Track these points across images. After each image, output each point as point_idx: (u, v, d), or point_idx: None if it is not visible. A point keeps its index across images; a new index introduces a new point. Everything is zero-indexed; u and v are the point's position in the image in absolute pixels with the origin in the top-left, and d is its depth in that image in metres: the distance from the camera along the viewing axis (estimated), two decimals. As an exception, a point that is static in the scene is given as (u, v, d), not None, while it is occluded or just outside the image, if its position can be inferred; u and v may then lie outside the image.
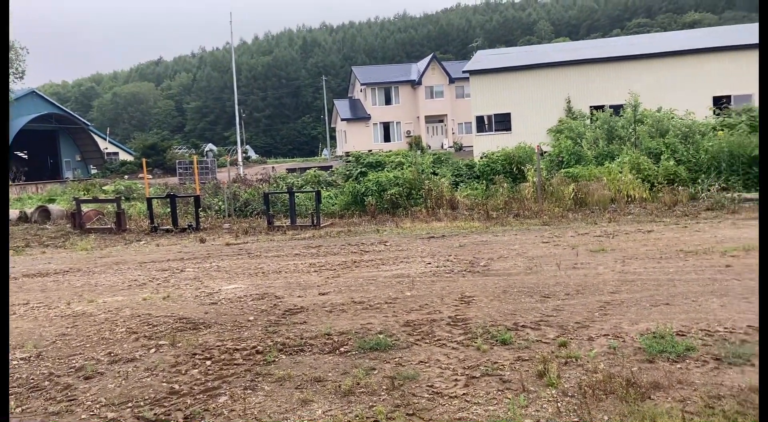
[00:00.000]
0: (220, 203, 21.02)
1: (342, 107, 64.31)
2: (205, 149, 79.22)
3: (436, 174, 20.73)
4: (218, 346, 6.15)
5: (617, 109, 26.38)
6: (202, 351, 6.01)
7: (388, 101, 60.34)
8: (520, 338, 5.88)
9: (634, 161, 18.44)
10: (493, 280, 8.59)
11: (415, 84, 59.54)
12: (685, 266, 8.71)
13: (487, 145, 29.76)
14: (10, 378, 5.45)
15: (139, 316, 7.55)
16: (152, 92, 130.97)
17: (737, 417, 3.91)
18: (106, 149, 63.58)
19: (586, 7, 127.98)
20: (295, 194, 18.19)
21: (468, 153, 40.78)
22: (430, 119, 59.79)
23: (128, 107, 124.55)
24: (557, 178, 18.34)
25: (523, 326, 6.30)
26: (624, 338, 5.69)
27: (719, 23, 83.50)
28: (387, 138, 59.74)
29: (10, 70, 42.42)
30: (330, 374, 5.20)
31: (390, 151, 30.79)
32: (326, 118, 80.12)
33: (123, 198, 22.20)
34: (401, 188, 18.59)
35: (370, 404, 4.53)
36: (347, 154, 43.17)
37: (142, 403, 4.79)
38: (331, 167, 35.12)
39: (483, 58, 41.60)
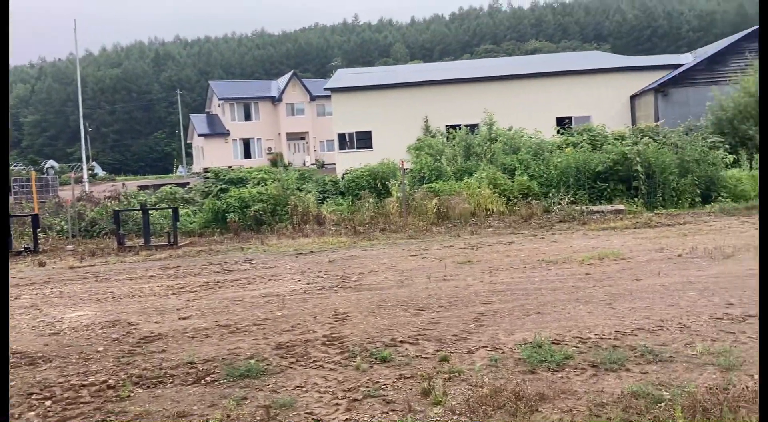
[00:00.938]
0: (63, 223, 19.15)
1: (199, 122, 62.03)
2: (46, 166, 72.89)
3: (302, 190, 20.32)
4: (61, 383, 5.33)
5: (473, 127, 27.45)
6: (41, 390, 5.18)
7: (247, 117, 59.07)
8: (400, 354, 5.64)
9: (491, 176, 19.17)
10: (366, 295, 8.34)
11: (275, 101, 58.82)
12: (549, 276, 8.99)
13: (349, 162, 29.77)
14: None
15: (-40, 353, 6.44)
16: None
17: (623, 423, 3.89)
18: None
19: (439, 32, 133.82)
20: (149, 211, 16.96)
21: (331, 170, 40.74)
22: (291, 136, 59.27)
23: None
24: (420, 193, 18.63)
25: (401, 341, 6.08)
26: (503, 349, 5.63)
27: (557, 51, 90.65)
28: (247, 154, 58.41)
29: None
30: (195, 407, 4.63)
31: (251, 167, 29.91)
32: (182, 133, 76.82)
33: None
34: (266, 204, 17.96)
35: (244, 439, 4.04)
36: (206, 170, 41.47)
37: (-40, 460, 3.95)
38: (188, 183, 33.49)
39: (344, 77, 41.90)
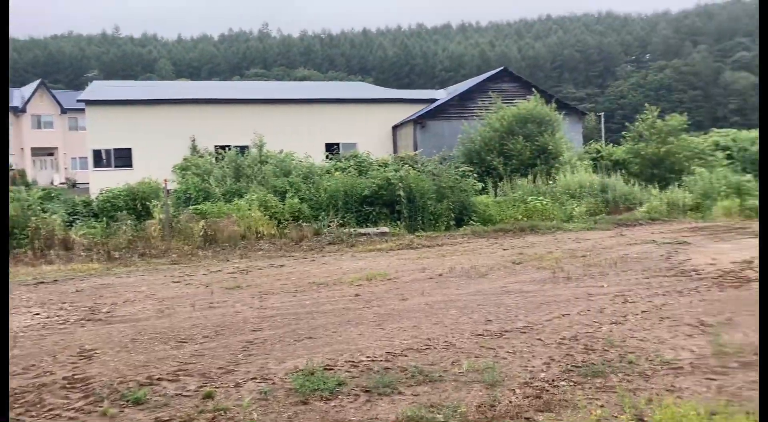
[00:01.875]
0: None
1: None
2: None
3: (46, 211, 17.97)
4: None
5: (243, 149, 26.88)
6: None
7: (-20, 128, 51.45)
8: (157, 394, 4.99)
9: (261, 198, 18.80)
10: (118, 328, 7.40)
11: (18, 111, 52.18)
12: (320, 298, 8.84)
13: (106, 181, 27.16)
14: None
15: None
16: None
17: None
18: None
19: (207, 51, 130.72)
20: None
21: (84, 190, 36.95)
22: (37, 152, 52.97)
23: None
24: (185, 215, 17.56)
25: (158, 378, 5.40)
26: (273, 379, 5.26)
27: (325, 80, 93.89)
28: (-21, 171, 50.71)
29: None
30: None
31: (-17, 185, 25.85)
32: None
33: None
34: None
35: None
36: None
37: None
38: None
39: (101, 89, 38.56)
